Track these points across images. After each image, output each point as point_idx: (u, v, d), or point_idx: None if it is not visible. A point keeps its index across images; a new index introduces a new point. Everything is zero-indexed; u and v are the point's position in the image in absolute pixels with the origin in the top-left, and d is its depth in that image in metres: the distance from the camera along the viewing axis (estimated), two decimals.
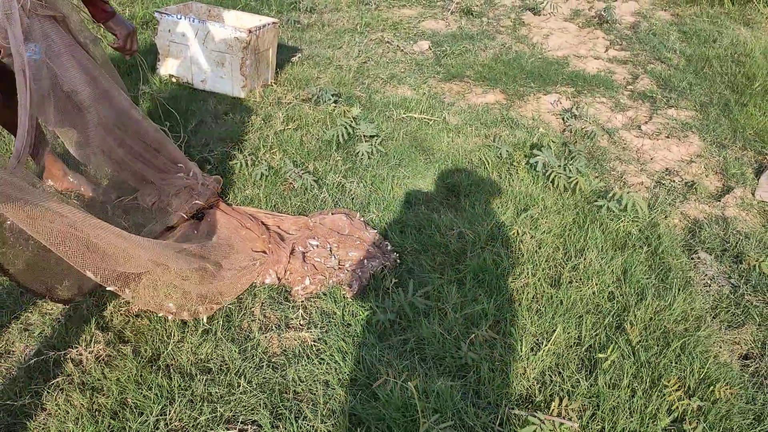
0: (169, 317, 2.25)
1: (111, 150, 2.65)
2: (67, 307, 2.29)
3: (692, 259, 2.94)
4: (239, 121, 3.78)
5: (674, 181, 3.62)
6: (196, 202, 2.80)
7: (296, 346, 2.25)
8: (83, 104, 2.45)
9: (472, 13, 6.40)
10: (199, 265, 2.37)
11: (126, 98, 2.65)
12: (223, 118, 3.82)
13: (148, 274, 2.15)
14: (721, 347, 2.42)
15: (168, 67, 4.22)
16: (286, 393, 2.07)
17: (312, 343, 2.28)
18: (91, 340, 2.17)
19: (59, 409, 1.93)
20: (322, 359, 2.20)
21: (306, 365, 2.17)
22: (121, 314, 2.30)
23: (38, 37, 2.23)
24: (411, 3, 6.67)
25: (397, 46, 5.40)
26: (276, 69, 4.47)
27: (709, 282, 2.78)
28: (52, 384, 2.01)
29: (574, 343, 2.33)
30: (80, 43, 2.45)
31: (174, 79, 4.22)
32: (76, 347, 2.13)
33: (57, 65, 2.31)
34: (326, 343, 2.27)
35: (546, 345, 2.27)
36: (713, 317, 2.58)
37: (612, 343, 2.31)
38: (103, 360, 2.12)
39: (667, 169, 3.78)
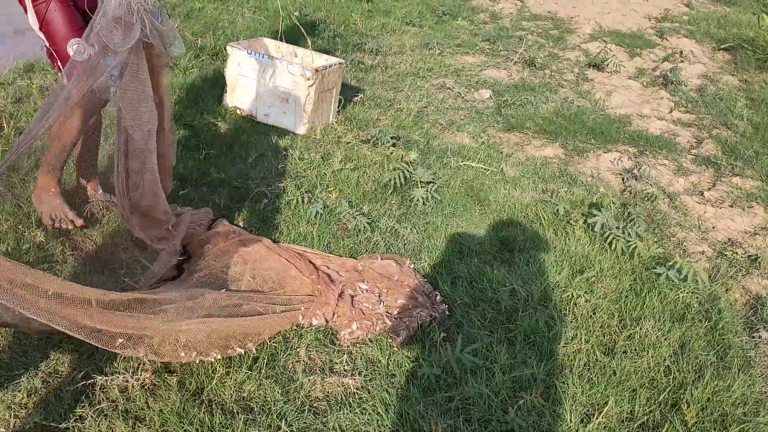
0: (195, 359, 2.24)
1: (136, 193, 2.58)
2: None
3: (753, 337, 2.81)
4: (298, 157, 3.83)
5: (737, 252, 3.50)
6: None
7: (339, 393, 2.22)
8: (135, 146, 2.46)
9: (535, 65, 6.40)
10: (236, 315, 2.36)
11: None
12: (283, 153, 3.87)
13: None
14: None
15: (234, 99, 4.33)
16: None
17: (355, 390, 2.24)
18: (138, 368, 2.18)
19: None
20: (365, 409, 2.16)
21: (347, 413, 2.14)
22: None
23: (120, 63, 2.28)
24: (474, 51, 6.72)
25: (458, 92, 5.43)
26: (338, 108, 4.53)
27: None
28: (97, 409, 2.02)
29: (627, 418, 2.24)
30: (152, 70, 2.46)
31: (239, 111, 4.32)
32: (124, 374, 2.15)
33: (124, 99, 2.33)
34: (369, 392, 2.24)
35: (597, 417, 2.18)
36: None
37: (667, 422, 2.20)
38: (149, 389, 2.12)
39: (729, 239, 3.66)
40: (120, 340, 2.00)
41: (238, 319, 2.35)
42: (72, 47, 2.16)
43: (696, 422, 2.23)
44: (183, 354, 2.20)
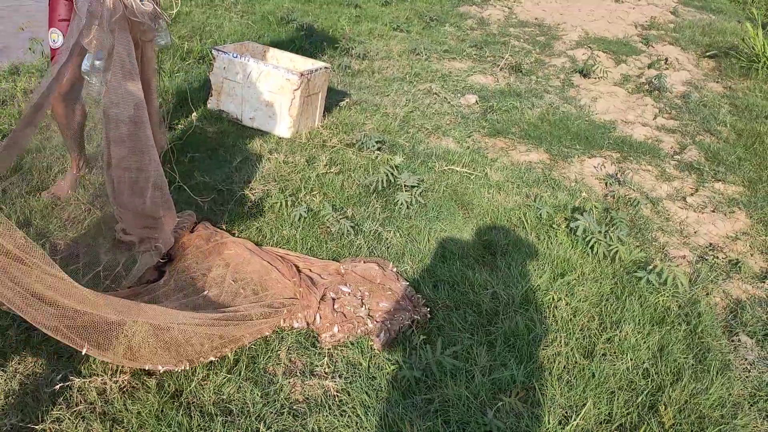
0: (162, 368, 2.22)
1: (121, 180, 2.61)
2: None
3: (732, 341, 2.84)
4: (283, 160, 3.83)
5: (717, 257, 3.53)
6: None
7: (319, 395, 2.23)
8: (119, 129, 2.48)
9: (521, 71, 6.44)
10: (212, 323, 2.35)
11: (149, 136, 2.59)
12: (268, 156, 3.87)
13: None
14: None
15: (219, 103, 4.33)
16: None
17: (335, 393, 2.24)
18: (117, 370, 2.17)
19: None
20: (344, 411, 2.17)
21: (327, 416, 2.14)
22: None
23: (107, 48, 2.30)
24: (461, 56, 6.75)
25: (445, 97, 5.45)
26: (324, 112, 4.54)
27: (748, 367, 2.68)
28: (75, 411, 2.01)
29: (605, 419, 2.25)
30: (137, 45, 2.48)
31: (224, 115, 4.32)
32: (102, 376, 2.14)
33: (110, 83, 2.36)
34: (349, 395, 2.24)
35: (575, 419, 2.19)
36: (751, 405, 2.47)
37: (644, 424, 2.22)
38: (127, 391, 2.12)
39: (711, 244, 3.69)
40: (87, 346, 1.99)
41: (218, 326, 2.35)
42: (50, 36, 2.26)
43: (673, 424, 2.25)
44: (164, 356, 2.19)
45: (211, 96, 4.35)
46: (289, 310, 2.56)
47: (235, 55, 4.14)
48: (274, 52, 4.64)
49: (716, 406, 2.39)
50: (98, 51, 2.30)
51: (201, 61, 5.26)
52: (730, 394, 2.46)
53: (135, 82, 2.40)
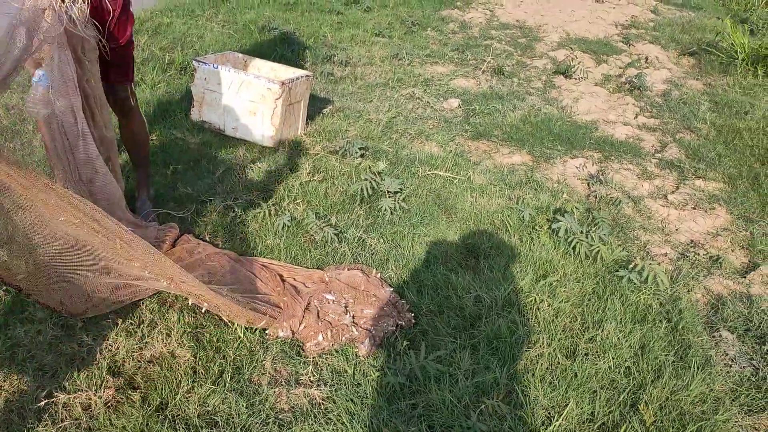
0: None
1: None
2: (82, 348, 2.31)
3: (713, 337, 2.88)
4: (266, 170, 3.85)
5: (699, 254, 3.57)
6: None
7: (304, 404, 2.24)
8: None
9: (503, 73, 6.48)
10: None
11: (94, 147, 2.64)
12: (251, 166, 3.88)
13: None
14: None
15: (201, 113, 4.33)
16: None
17: (320, 401, 2.26)
18: (101, 385, 2.18)
19: None
20: (330, 419, 2.18)
21: (312, 424, 2.15)
22: (134, 359, 2.32)
23: (48, 63, 2.32)
24: (444, 60, 6.79)
25: (427, 102, 5.48)
26: (306, 120, 4.56)
27: (729, 362, 2.72)
28: (60, 427, 2.02)
29: (587, 419, 2.28)
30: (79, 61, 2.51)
31: (206, 125, 4.33)
32: (87, 391, 2.15)
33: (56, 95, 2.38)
34: (335, 402, 2.26)
35: (558, 420, 2.22)
36: (732, 400, 2.50)
37: (626, 422, 2.25)
38: (112, 406, 2.13)
39: (692, 241, 3.74)
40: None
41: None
42: None
43: (654, 421, 2.28)
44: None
45: (193, 107, 4.36)
46: (273, 317, 2.57)
47: (215, 65, 4.15)
48: (255, 62, 4.66)
49: (697, 402, 2.43)
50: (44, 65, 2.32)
51: (183, 71, 5.26)
52: (711, 390, 2.49)
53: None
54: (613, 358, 2.56)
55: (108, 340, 2.38)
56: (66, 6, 2.31)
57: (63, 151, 2.47)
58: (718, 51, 7.34)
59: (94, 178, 2.62)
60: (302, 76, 4.31)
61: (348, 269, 2.96)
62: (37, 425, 2.03)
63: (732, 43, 7.20)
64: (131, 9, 2.88)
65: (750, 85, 6.62)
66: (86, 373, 2.22)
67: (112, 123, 2.90)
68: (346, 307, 2.72)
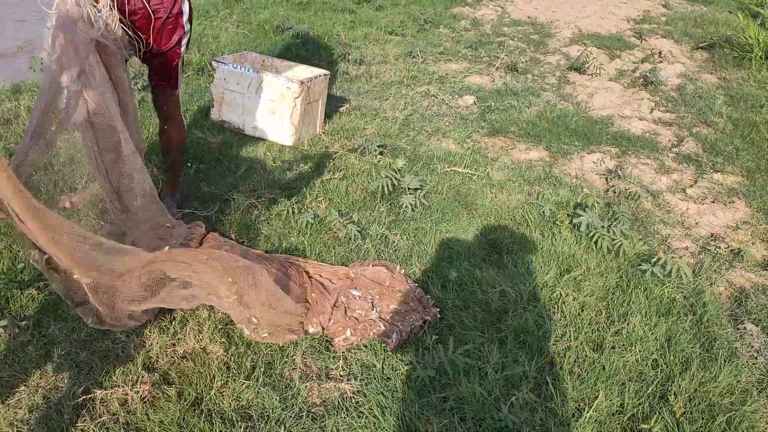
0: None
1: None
2: (116, 345, 2.35)
3: (738, 329, 2.89)
4: (287, 168, 3.88)
5: (720, 247, 3.58)
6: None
7: (336, 398, 2.27)
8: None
9: (517, 70, 6.49)
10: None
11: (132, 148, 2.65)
12: (272, 165, 3.92)
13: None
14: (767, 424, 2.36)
15: (221, 113, 4.37)
16: None
17: (351, 395, 2.29)
18: (137, 381, 2.22)
19: None
20: (362, 413, 2.21)
21: (345, 418, 2.18)
22: (167, 355, 2.35)
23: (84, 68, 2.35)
24: (457, 58, 6.80)
25: (443, 99, 5.50)
26: (324, 118, 4.59)
27: (755, 354, 2.73)
28: (98, 422, 2.06)
29: (617, 411, 2.30)
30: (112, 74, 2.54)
31: (226, 125, 4.36)
32: (123, 387, 2.18)
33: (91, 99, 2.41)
34: (365, 396, 2.28)
35: (588, 411, 2.24)
36: (759, 391, 2.51)
37: (656, 413, 2.27)
38: (148, 401, 2.16)
39: (712, 234, 3.74)
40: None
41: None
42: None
43: (684, 412, 2.29)
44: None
45: (213, 107, 4.40)
46: (303, 314, 2.60)
47: (235, 65, 4.19)
48: (272, 61, 4.69)
49: (725, 393, 2.44)
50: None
51: (200, 72, 5.30)
52: (738, 382, 2.51)
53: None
54: (639, 351, 2.58)
55: (141, 336, 2.41)
56: (95, 12, 2.33)
57: (96, 152, 2.50)
58: (732, 45, 7.31)
59: (133, 176, 2.64)
60: (320, 75, 4.34)
61: (372, 265, 2.99)
62: (76, 421, 2.07)
63: (746, 37, 7.17)
64: (187, 21, 2.85)
65: (765, 79, 6.59)
66: (122, 369, 2.26)
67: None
68: (372, 302, 2.75)
